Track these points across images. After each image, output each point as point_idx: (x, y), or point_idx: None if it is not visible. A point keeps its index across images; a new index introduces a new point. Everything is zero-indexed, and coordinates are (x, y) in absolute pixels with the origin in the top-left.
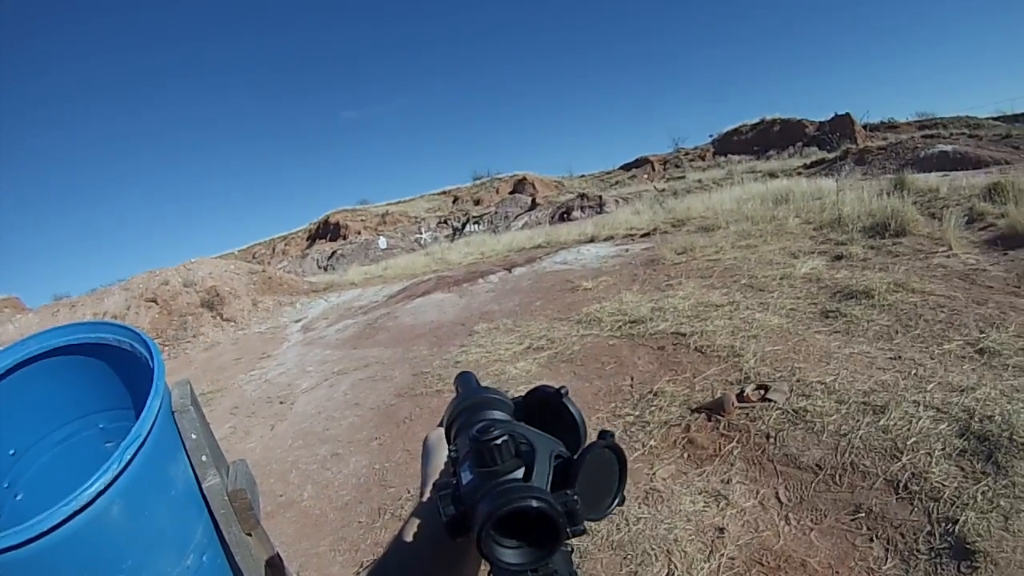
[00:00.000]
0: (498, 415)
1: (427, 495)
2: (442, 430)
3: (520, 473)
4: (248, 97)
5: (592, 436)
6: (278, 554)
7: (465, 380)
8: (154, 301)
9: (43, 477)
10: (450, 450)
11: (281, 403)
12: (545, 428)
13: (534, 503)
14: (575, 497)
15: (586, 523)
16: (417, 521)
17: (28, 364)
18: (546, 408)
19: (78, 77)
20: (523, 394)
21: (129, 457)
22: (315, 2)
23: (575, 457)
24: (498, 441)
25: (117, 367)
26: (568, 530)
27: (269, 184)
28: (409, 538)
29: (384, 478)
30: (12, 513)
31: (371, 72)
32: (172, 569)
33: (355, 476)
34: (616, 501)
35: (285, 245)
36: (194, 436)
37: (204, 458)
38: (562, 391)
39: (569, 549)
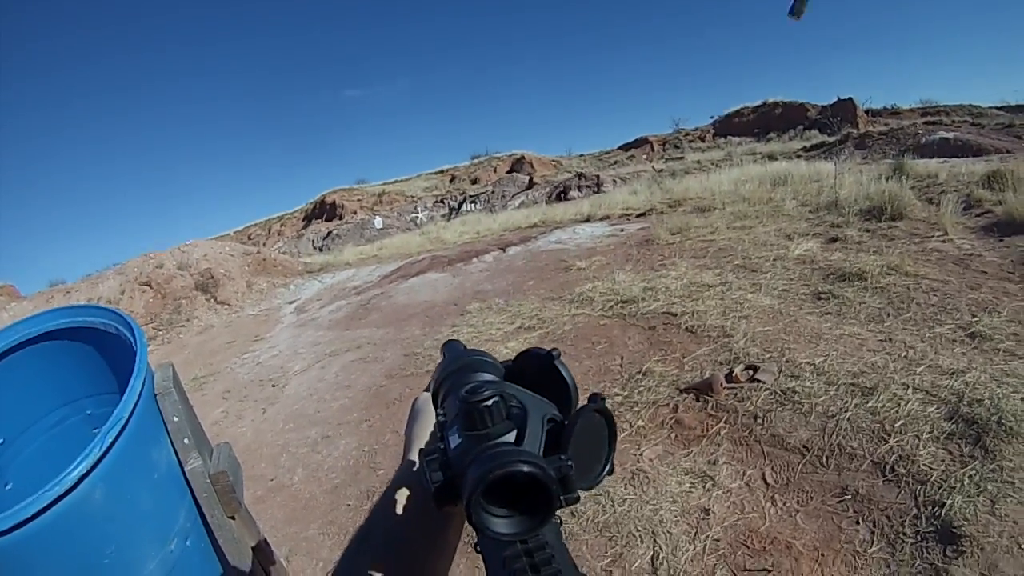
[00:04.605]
0: (487, 377)
1: (411, 457)
2: (429, 394)
3: (511, 437)
4: (246, 78)
5: (584, 401)
6: (264, 538)
7: (452, 346)
8: (148, 285)
9: (33, 465)
10: (437, 414)
11: (273, 386)
12: (537, 392)
13: (526, 468)
14: (569, 463)
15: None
16: (401, 486)
17: (15, 351)
18: (537, 371)
19: (71, 59)
20: (513, 357)
21: (111, 441)
22: None
23: (567, 421)
24: (488, 403)
25: (104, 351)
26: (561, 498)
27: (266, 165)
28: (393, 503)
29: (374, 460)
30: (1, 502)
31: (371, 52)
32: (156, 553)
33: (345, 458)
34: (606, 469)
35: (281, 226)
36: (176, 419)
37: (186, 441)
38: (554, 353)
39: (558, 522)
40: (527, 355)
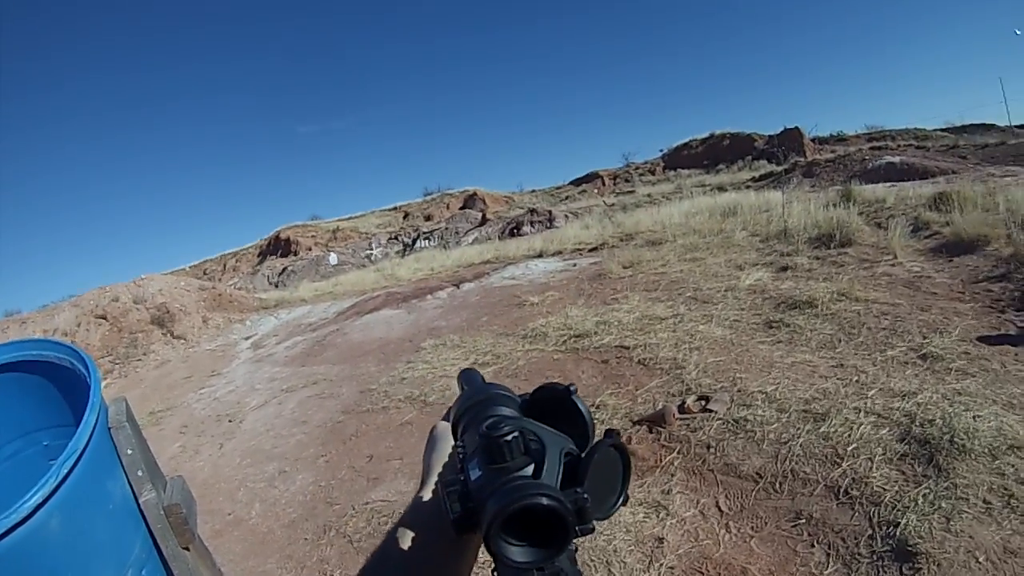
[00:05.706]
0: (506, 411)
1: (429, 485)
2: (448, 423)
3: (530, 470)
4: (201, 111)
5: (600, 435)
6: (219, 570)
7: (470, 377)
8: (104, 318)
9: None
10: (457, 446)
11: (230, 421)
12: (553, 425)
13: (545, 501)
14: (585, 495)
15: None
16: (419, 511)
17: None
18: (554, 405)
19: (27, 91)
20: (531, 391)
21: (66, 471)
22: (276, 17)
23: (583, 455)
24: (508, 437)
25: (58, 384)
26: (577, 529)
27: (221, 200)
28: (412, 527)
29: (330, 495)
30: None
31: (322, 88)
32: None
33: (302, 493)
34: (620, 500)
35: (236, 261)
36: (130, 451)
37: (140, 473)
38: (571, 388)
39: (574, 548)
40: (545, 389)
